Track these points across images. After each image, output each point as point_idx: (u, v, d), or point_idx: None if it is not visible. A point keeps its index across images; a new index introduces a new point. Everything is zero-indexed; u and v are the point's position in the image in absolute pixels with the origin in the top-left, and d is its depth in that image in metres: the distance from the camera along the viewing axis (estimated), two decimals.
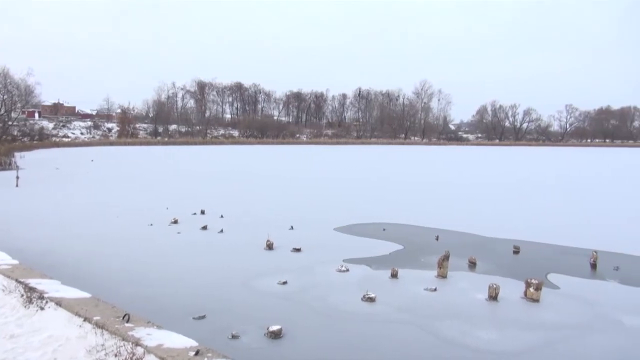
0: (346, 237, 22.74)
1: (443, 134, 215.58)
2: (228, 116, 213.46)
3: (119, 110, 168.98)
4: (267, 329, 11.36)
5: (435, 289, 14.94)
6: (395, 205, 32.66)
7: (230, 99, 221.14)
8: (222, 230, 23.30)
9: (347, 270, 16.84)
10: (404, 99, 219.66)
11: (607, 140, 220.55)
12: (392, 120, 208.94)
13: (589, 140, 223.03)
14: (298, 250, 19.68)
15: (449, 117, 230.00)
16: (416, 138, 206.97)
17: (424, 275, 16.57)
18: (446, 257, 16.62)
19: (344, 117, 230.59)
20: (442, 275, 16.30)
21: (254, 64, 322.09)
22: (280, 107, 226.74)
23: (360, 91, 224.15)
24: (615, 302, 14.27)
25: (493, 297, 14.14)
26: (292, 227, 24.34)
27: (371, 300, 13.76)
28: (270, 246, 20.00)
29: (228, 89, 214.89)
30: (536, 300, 14.04)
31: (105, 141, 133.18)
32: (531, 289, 14.25)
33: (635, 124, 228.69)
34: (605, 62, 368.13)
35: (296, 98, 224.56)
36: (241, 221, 25.92)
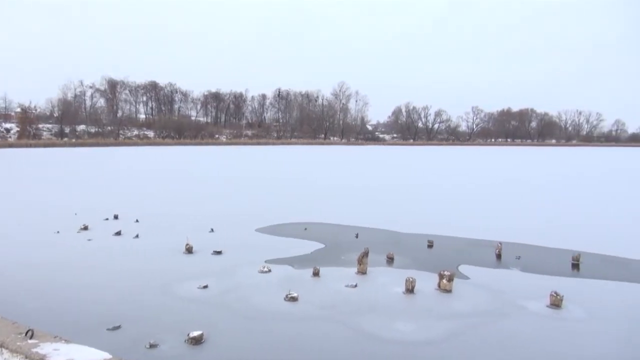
0: (268, 238, 22.66)
1: (361, 134, 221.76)
2: (142, 116, 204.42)
3: (18, 110, 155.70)
4: (188, 335, 11.03)
5: (355, 285, 15.32)
6: (317, 205, 33.07)
7: (145, 99, 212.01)
8: (137, 235, 22.28)
9: (269, 270, 16.80)
10: (323, 100, 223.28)
11: (509, 140, 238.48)
12: (311, 121, 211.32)
13: (493, 140, 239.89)
14: (219, 252, 19.30)
15: (366, 117, 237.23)
16: (335, 138, 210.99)
17: (344, 272, 16.93)
18: (366, 254, 17.11)
19: (264, 117, 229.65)
20: (362, 272, 16.76)
21: (170, 63, 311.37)
22: (198, 107, 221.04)
23: (279, 92, 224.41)
24: (518, 289, 15.47)
25: (410, 290, 14.76)
26: (212, 230, 23.82)
27: (294, 299, 13.83)
28: (189, 250, 19.43)
29: (142, 88, 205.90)
30: (449, 291, 14.86)
31: (3, 143, 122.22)
32: (444, 281, 15.05)
33: (533, 124, 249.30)
34: (507, 67, 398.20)
35: (215, 98, 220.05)
36: (158, 225, 24.93)
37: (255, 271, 16.77)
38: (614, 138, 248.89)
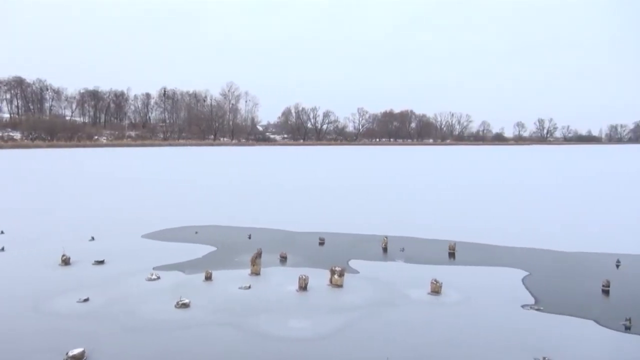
0: (156, 244, 21.62)
1: (252, 134, 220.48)
2: (6, 115, 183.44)
3: None
4: (67, 354, 10.15)
5: (249, 287, 15.22)
6: (207, 207, 32.26)
7: (9, 96, 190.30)
8: (2, 249, 19.97)
9: (158, 278, 16.05)
10: (211, 100, 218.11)
11: (392, 139, 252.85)
12: (200, 122, 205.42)
13: (377, 140, 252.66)
14: (101, 262, 18.00)
15: (256, 118, 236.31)
16: (225, 139, 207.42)
17: (238, 274, 16.74)
18: (259, 255, 17.08)
19: (149, 117, 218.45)
20: (256, 273, 16.70)
21: (39, 58, 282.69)
22: (74, 106, 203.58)
23: (165, 91, 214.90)
24: (403, 279, 16.50)
25: (303, 287, 15.03)
26: (92, 238, 22.14)
27: (185, 305, 13.37)
28: (66, 261, 17.85)
29: (5, 84, 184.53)
30: (340, 286, 15.38)
31: None
32: (335, 276, 15.55)
33: (413, 125, 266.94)
34: (389, 70, 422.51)
35: (92, 97, 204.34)
36: (28, 236, 22.57)
37: (142, 279, 15.90)
38: (481, 137, 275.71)
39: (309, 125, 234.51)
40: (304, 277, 15.26)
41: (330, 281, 15.62)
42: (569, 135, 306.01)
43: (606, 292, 15.38)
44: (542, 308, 13.84)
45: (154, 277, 16.08)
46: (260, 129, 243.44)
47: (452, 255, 20.16)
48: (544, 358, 10.50)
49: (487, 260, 19.34)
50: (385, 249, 20.96)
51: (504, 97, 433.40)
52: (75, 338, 11.19)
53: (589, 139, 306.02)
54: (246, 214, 29.54)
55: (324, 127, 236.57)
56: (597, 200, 38.13)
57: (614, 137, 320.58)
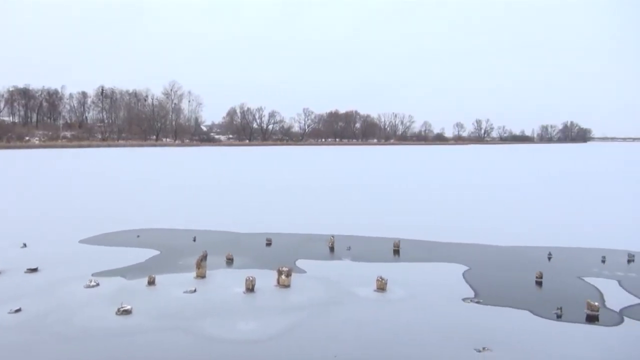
0: (95, 249, 20.71)
1: (195, 135, 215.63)
2: None
3: None
4: None
5: (194, 290, 14.89)
6: (149, 210, 31.25)
7: None
8: None
9: (98, 284, 15.37)
10: (153, 99, 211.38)
11: (337, 140, 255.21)
12: (141, 122, 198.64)
13: (323, 140, 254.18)
14: (34, 270, 17.00)
15: (200, 118, 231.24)
16: (168, 139, 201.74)
17: (182, 278, 16.33)
18: (204, 257, 16.75)
19: (86, 117, 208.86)
20: (201, 276, 16.36)
21: None
22: (2, 105, 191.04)
23: (103, 90, 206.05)
24: (350, 277, 16.71)
25: (250, 289, 14.88)
26: (24, 245, 20.87)
27: (127, 312, 12.88)
28: None
29: None
30: (288, 286, 15.36)
31: None
32: (283, 276, 15.51)
33: (357, 125, 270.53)
34: (334, 71, 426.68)
35: (23, 95, 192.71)
36: None
37: (80, 287, 15.18)
38: (423, 137, 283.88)
39: (255, 125, 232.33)
40: (251, 278, 15.12)
41: (278, 282, 15.57)
42: (505, 135, 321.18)
43: (539, 284, 16.27)
44: (481, 301, 14.44)
45: (92, 283, 15.40)
46: (205, 129, 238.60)
47: (396, 252, 20.62)
48: (484, 348, 10.97)
49: (430, 257, 19.94)
50: (332, 248, 21.13)
51: (444, 99, 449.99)
52: (6, 350, 10.52)
53: (522, 139, 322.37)
54: (191, 216, 28.88)
55: (270, 127, 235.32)
56: (529, 198, 40.24)
57: (545, 136, 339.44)
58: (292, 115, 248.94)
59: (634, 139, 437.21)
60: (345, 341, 11.46)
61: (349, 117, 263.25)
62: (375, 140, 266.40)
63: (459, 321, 12.80)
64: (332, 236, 22.03)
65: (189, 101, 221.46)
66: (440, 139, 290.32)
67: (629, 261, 19.25)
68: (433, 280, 16.73)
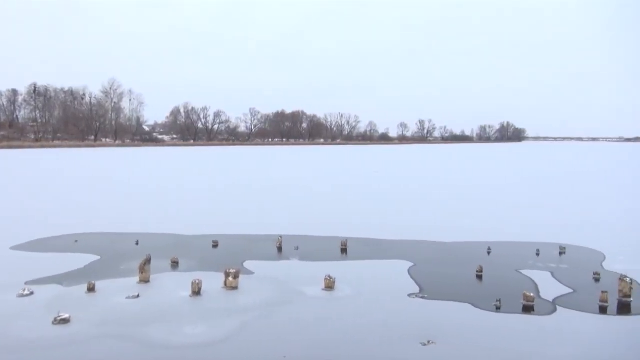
0: (29, 255, 19.57)
1: (137, 135, 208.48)
2: None
3: None
4: None
5: (138, 296, 14.40)
6: (88, 213, 29.91)
7: None
8: None
9: (32, 293, 14.53)
10: (91, 98, 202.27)
11: (284, 140, 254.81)
12: (78, 121, 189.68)
13: (270, 140, 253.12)
14: None
15: (142, 118, 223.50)
16: (108, 140, 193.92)
17: (125, 283, 15.74)
18: (147, 261, 16.22)
19: (17, 116, 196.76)
20: (145, 280, 15.85)
21: None
22: None
23: (36, 87, 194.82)
24: (298, 277, 16.73)
25: (196, 292, 14.57)
26: None
27: (65, 321, 12.25)
28: None
29: None
30: (235, 288, 15.17)
31: None
32: (230, 278, 15.31)
33: (304, 125, 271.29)
34: (281, 71, 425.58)
35: None
36: None
37: (12, 296, 14.29)
38: (369, 137, 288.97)
39: (200, 125, 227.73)
40: (197, 281, 14.81)
41: (225, 284, 15.34)
42: (446, 135, 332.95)
43: (480, 277, 16.96)
44: (426, 296, 14.88)
45: (26, 292, 14.54)
46: (147, 129, 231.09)
47: (344, 251, 20.85)
48: (429, 341, 11.31)
49: (376, 254, 20.31)
50: (280, 249, 21.07)
51: (389, 99, 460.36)
52: None
53: (462, 138, 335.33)
54: (132, 219, 27.90)
55: (216, 127, 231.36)
56: (468, 196, 41.86)
57: (483, 136, 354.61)
58: (238, 115, 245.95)
59: (563, 139, 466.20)
60: (294, 341, 11.47)
61: (296, 117, 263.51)
62: (322, 140, 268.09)
63: (405, 316, 13.12)
64: (280, 236, 21.97)
65: (130, 100, 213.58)
66: (385, 138, 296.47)
67: (560, 253, 20.44)
68: (380, 277, 17.06)
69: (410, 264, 18.58)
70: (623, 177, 64.13)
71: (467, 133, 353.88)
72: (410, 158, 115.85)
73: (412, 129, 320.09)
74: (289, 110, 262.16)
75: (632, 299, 14.41)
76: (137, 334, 11.68)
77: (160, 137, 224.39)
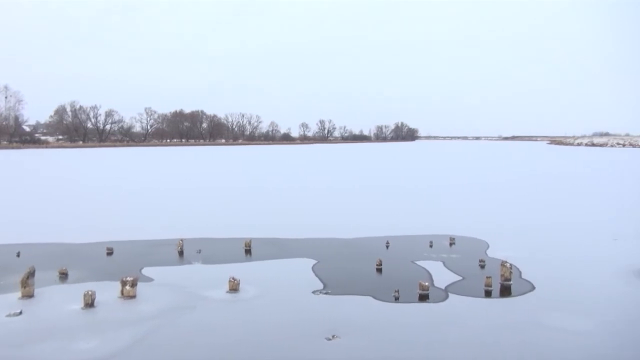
0: None
1: (16, 136, 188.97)
2: None
3: None
4: None
5: (20, 312, 13.08)
6: None
7: None
8: None
9: None
10: None
11: (183, 140, 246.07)
12: None
13: (168, 140, 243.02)
14: None
15: (21, 117, 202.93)
16: None
17: (5, 299, 14.21)
18: (31, 274, 14.78)
19: None
20: (28, 295, 14.43)
21: None
22: None
23: None
24: (201, 281, 16.27)
25: (89, 304, 13.59)
26: None
27: None
28: None
29: None
30: (133, 297, 14.37)
31: None
32: (127, 287, 14.47)
33: (204, 125, 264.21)
34: (178, 69, 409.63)
35: None
36: None
37: None
38: (271, 137, 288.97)
39: (90, 125, 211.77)
40: (89, 292, 13.80)
41: (122, 293, 14.48)
42: (346, 134, 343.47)
43: (379, 270, 17.74)
44: (329, 291, 15.24)
45: None
46: (27, 129, 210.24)
47: (248, 252, 20.67)
48: (333, 336, 11.61)
49: (280, 253, 20.39)
50: (181, 253, 20.34)
51: (291, 99, 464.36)
52: None
53: (361, 138, 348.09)
54: (10, 229, 25.26)
55: (107, 127, 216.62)
56: (367, 193, 43.60)
57: (380, 136, 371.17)
58: (132, 115, 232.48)
59: (451, 138, 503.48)
60: (199, 348, 11.14)
61: (195, 117, 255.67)
62: (223, 141, 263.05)
63: (310, 313, 13.34)
64: (181, 240, 21.20)
65: (6, 97, 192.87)
66: (287, 138, 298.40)
67: (450, 244, 22.03)
68: (284, 276, 17.15)
69: (314, 262, 18.90)
70: (502, 171, 70.68)
71: (365, 133, 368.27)
72: (310, 158, 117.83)
73: (313, 129, 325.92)
74: (187, 110, 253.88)
75: (512, 282, 15.96)
76: (21, 355, 10.61)
77: (43, 138, 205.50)
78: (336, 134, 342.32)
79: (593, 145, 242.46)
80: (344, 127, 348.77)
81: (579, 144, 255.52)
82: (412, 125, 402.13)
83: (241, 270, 17.37)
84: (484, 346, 11.22)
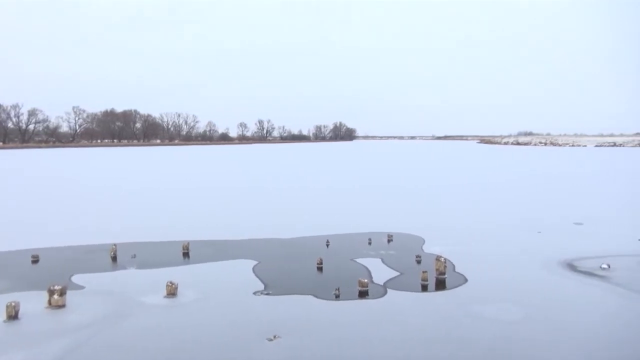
0: None
1: None
2: None
3: None
4: None
5: None
6: None
7: None
8: None
9: None
10: None
11: (115, 140, 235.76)
12: None
13: (99, 141, 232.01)
14: None
15: None
16: None
17: None
18: None
19: None
20: None
21: None
22: None
23: None
24: (137, 287, 15.66)
25: (13, 316, 12.70)
26: None
27: None
28: None
29: None
30: (62, 306, 13.60)
31: None
32: (55, 296, 13.67)
33: (138, 125, 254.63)
34: (108, 67, 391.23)
35: None
36: None
37: None
38: (209, 137, 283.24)
39: (11, 125, 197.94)
40: (12, 303, 12.90)
41: (49, 303, 13.65)
42: (285, 134, 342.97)
43: (320, 269, 17.87)
44: (270, 292, 15.16)
45: None
46: None
47: (186, 255, 20.14)
48: (275, 336, 11.56)
49: (220, 255, 20.03)
50: (114, 258, 19.47)
51: (229, 99, 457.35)
52: None
53: (300, 138, 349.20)
54: None
55: (31, 127, 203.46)
56: (308, 192, 43.80)
57: (319, 135, 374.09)
58: (59, 114, 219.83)
59: (387, 137, 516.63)
60: (134, 356, 10.72)
61: (128, 117, 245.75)
62: (158, 141, 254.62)
63: (251, 314, 13.20)
64: (114, 245, 20.29)
65: None
66: (225, 138, 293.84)
67: (388, 241, 22.58)
68: (224, 278, 16.87)
69: (255, 262, 18.73)
70: (436, 169, 73.36)
71: (305, 132, 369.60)
72: (251, 158, 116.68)
73: (252, 129, 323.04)
74: (119, 109, 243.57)
75: (446, 276, 16.61)
76: None
77: None
78: (275, 133, 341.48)
79: (518, 144, 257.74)
80: (283, 127, 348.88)
81: (505, 143, 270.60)
82: (350, 125, 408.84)
83: (179, 273, 16.90)
84: (422, 342, 11.60)
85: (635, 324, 12.62)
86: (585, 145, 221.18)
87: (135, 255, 19.87)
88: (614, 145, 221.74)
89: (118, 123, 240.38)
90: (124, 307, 13.78)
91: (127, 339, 11.59)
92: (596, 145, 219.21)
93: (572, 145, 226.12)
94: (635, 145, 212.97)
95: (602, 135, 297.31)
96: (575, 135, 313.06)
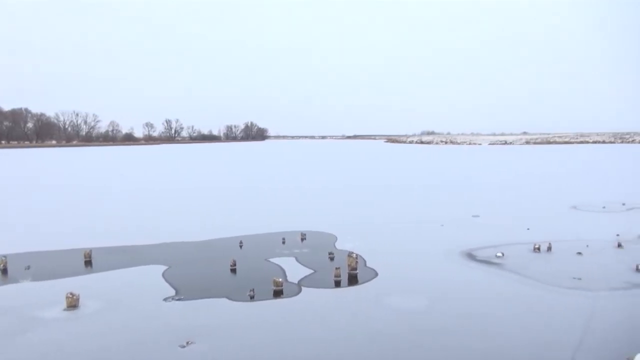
0: None
1: None
2: None
3: None
4: None
5: None
6: None
7: None
8: None
9: None
10: None
11: (4, 142, 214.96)
12: None
13: None
14: None
15: None
16: None
17: None
18: None
19: None
20: None
21: None
22: None
23: None
24: (32, 300, 14.41)
25: None
26: None
27: None
28: None
29: None
30: None
31: None
32: None
33: (30, 125, 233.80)
34: None
35: None
36: None
37: None
38: (112, 138, 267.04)
39: None
40: None
41: None
42: (194, 134, 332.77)
43: (234, 271, 17.62)
44: (182, 297, 14.68)
45: None
46: None
47: (88, 263, 18.89)
48: (188, 342, 11.22)
49: (127, 262, 19.03)
50: (4, 271, 17.76)
51: (134, 98, 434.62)
52: None
53: (211, 138, 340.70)
54: None
55: None
56: (221, 194, 43.00)
57: (230, 135, 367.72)
58: None
59: (299, 137, 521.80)
60: None
61: (17, 116, 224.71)
62: (54, 142, 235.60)
63: (162, 321, 12.70)
64: (4, 256, 18.48)
65: None
66: (130, 139, 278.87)
67: (302, 239, 22.82)
68: (132, 285, 16.06)
69: (165, 267, 18.04)
70: (345, 170, 75.33)
71: (215, 132, 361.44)
72: (158, 160, 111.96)
73: (159, 129, 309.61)
74: (7, 107, 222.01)
75: (357, 271, 17.13)
76: None
77: None
78: (184, 133, 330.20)
79: (422, 142, 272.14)
80: (192, 127, 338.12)
81: (410, 142, 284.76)
82: (261, 125, 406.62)
83: (81, 284, 15.81)
84: (337, 338, 11.88)
85: (530, 305, 13.89)
86: (480, 144, 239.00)
87: (29, 266, 18.26)
88: (505, 143, 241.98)
89: (6, 123, 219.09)
90: (17, 323, 12.62)
91: (23, 358, 10.63)
92: (489, 144, 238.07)
93: (469, 144, 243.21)
94: (522, 143, 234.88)
95: (494, 135, 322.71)
96: (472, 134, 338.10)
